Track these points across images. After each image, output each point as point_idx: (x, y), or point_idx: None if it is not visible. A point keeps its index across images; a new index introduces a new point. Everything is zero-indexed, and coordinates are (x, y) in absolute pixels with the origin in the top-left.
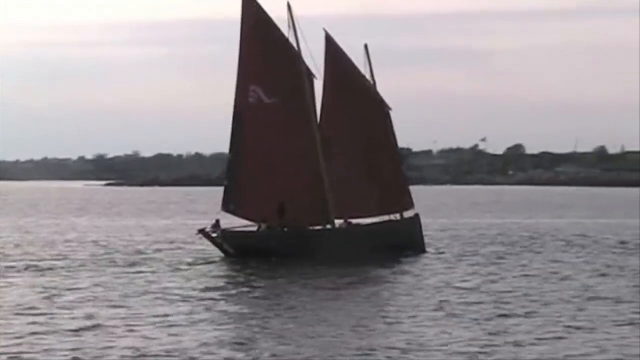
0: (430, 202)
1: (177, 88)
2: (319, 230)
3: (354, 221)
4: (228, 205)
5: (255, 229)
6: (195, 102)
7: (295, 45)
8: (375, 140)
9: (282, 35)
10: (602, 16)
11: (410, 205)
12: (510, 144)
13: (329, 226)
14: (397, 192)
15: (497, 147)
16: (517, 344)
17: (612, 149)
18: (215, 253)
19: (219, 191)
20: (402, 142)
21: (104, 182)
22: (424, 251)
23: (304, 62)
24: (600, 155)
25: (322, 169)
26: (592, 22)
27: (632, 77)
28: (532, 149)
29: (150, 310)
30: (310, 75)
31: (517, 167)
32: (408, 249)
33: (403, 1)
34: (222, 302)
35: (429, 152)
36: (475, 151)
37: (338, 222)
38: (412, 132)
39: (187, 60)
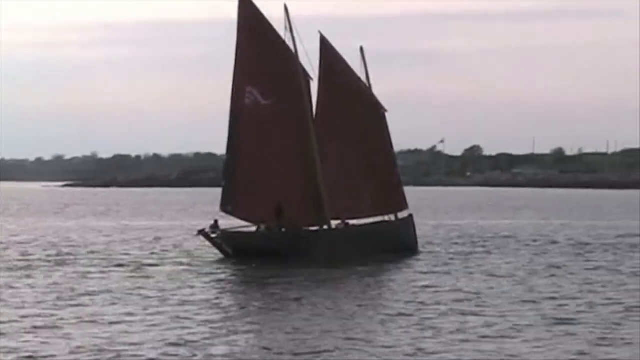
0: None
1: (134, 89)
2: (316, 230)
3: (351, 222)
4: (225, 206)
5: (253, 229)
6: (153, 103)
7: (291, 46)
8: (370, 141)
9: (279, 36)
10: (558, 18)
11: (404, 205)
12: (468, 146)
13: (325, 227)
14: (391, 193)
15: (455, 148)
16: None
17: (569, 151)
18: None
19: (177, 192)
20: None
21: (61, 183)
22: (417, 252)
23: (300, 64)
24: (558, 156)
25: (319, 170)
26: (549, 24)
27: (589, 78)
28: (489, 150)
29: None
30: (306, 77)
31: (474, 168)
32: (403, 249)
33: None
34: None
35: None
36: (433, 153)
37: (335, 223)
38: None
39: (147, 62)
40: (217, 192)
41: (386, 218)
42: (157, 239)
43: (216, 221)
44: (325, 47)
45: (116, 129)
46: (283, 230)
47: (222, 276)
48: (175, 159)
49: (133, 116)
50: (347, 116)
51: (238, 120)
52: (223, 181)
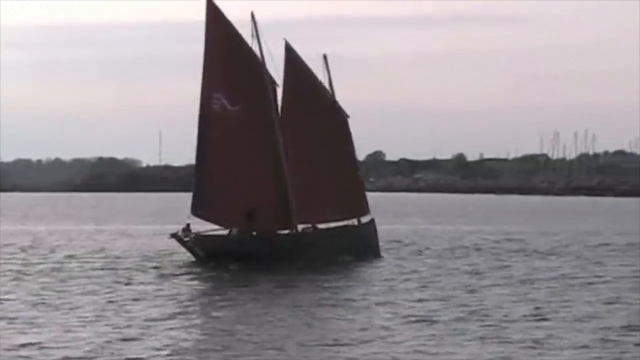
0: None
1: (35, 91)
2: (287, 234)
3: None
4: (197, 210)
5: (225, 232)
6: (54, 106)
7: (258, 53)
8: (334, 146)
9: (245, 43)
10: (460, 24)
11: (366, 210)
12: (370, 151)
13: (294, 230)
14: (354, 197)
15: (357, 153)
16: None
17: (471, 156)
18: None
19: (78, 197)
20: None
21: None
22: (379, 255)
23: (266, 70)
24: (459, 162)
25: (286, 175)
26: (450, 30)
27: (490, 84)
28: (391, 155)
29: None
30: (273, 83)
31: (377, 173)
32: (366, 252)
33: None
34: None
35: None
36: None
37: (303, 226)
38: None
39: (49, 65)
40: (122, 196)
41: (349, 222)
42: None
43: (188, 225)
44: (290, 55)
45: (17, 133)
46: (254, 233)
47: (193, 278)
48: (77, 163)
49: (35, 120)
50: (311, 122)
51: (206, 125)
52: (194, 186)
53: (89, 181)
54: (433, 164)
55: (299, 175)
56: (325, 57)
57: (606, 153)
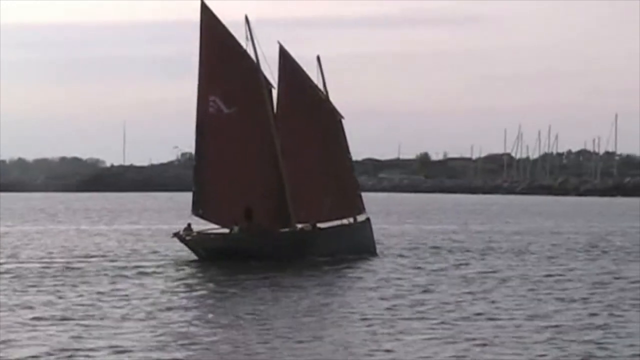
0: None
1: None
2: (288, 232)
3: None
4: (197, 210)
5: (226, 231)
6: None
7: (253, 56)
8: (330, 147)
9: (240, 46)
10: (419, 24)
11: (362, 209)
12: None
13: (293, 229)
14: (350, 197)
15: None
16: None
17: (435, 156)
18: None
19: (41, 197)
20: None
21: None
22: (375, 253)
23: (262, 73)
24: (423, 161)
25: (283, 176)
26: (412, 30)
27: (454, 84)
28: (356, 155)
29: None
30: (268, 85)
31: None
32: (363, 251)
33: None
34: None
35: None
36: None
37: (302, 225)
38: None
39: (6, 65)
40: (82, 196)
41: (344, 221)
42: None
43: (189, 224)
44: (284, 57)
45: None
46: (254, 232)
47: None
48: (41, 163)
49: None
50: (307, 123)
51: (203, 127)
52: (193, 186)
53: (52, 181)
54: (397, 164)
55: (295, 174)
56: (318, 58)
57: (569, 152)
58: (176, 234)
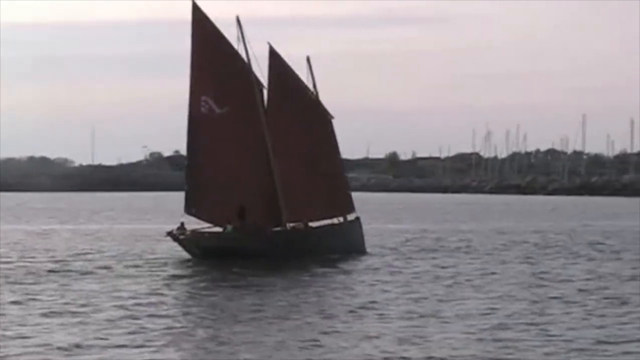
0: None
1: None
2: (282, 231)
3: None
4: (190, 209)
5: (219, 230)
6: None
7: (244, 56)
8: (320, 147)
9: (231, 47)
10: (388, 24)
11: (352, 209)
12: None
13: (285, 228)
14: (340, 197)
15: None
16: None
17: (404, 155)
18: None
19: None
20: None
21: None
22: (365, 252)
23: (253, 73)
24: (392, 161)
25: (275, 175)
26: (380, 30)
27: (422, 83)
28: None
29: None
30: (259, 85)
31: None
32: (353, 250)
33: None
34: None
35: None
36: None
37: (294, 224)
38: None
39: None
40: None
41: (335, 221)
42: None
43: (182, 223)
44: (274, 57)
45: None
46: (250, 231)
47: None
48: (8, 163)
49: None
50: (297, 123)
51: (196, 127)
52: (186, 185)
53: (20, 180)
54: (366, 163)
55: (286, 174)
56: (308, 59)
57: (537, 152)
58: (170, 233)
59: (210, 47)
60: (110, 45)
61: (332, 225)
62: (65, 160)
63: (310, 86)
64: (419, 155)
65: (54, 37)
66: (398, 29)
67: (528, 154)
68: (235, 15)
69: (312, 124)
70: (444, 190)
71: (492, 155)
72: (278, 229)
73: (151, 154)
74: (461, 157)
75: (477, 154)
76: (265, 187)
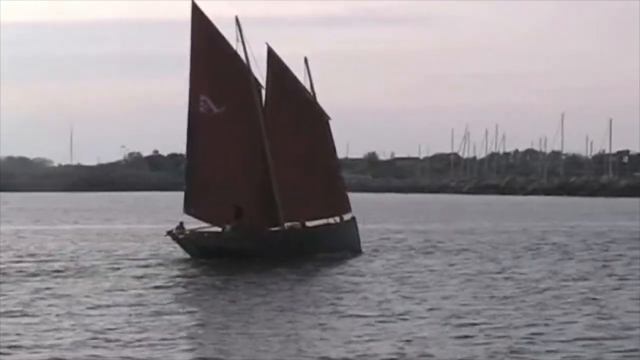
0: None
1: None
2: (280, 231)
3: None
4: (188, 209)
5: (218, 230)
6: None
7: (243, 57)
8: (317, 147)
9: (230, 47)
10: (367, 24)
11: (348, 209)
12: None
13: (282, 228)
14: (337, 196)
15: None
16: None
17: (382, 155)
18: None
19: None
20: (176, 147)
21: None
22: (360, 252)
23: (252, 73)
24: (371, 161)
25: (272, 175)
26: (356, 30)
27: (400, 83)
28: None
29: None
30: (258, 86)
31: None
32: (349, 249)
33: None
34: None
35: None
36: None
37: (291, 224)
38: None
39: None
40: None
41: (331, 220)
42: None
43: (181, 223)
44: (272, 58)
45: None
46: (248, 230)
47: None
48: None
49: None
50: (295, 124)
51: (194, 127)
52: (185, 185)
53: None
54: (345, 163)
55: (283, 174)
56: (306, 60)
57: (516, 152)
58: (169, 233)
59: (209, 47)
60: (87, 45)
61: (329, 225)
62: (44, 160)
63: (308, 87)
64: (397, 155)
65: (30, 36)
66: (376, 29)
67: (507, 154)
68: (235, 15)
69: (309, 124)
70: (423, 190)
71: (471, 155)
72: (276, 228)
73: (130, 154)
74: (440, 158)
75: (455, 154)
76: (262, 187)
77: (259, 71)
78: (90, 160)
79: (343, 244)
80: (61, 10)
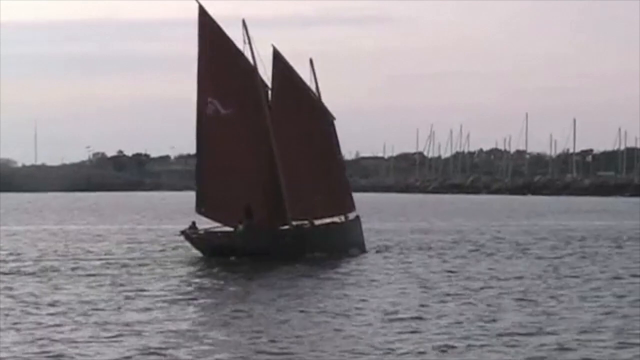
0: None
1: None
2: (290, 230)
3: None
4: (200, 208)
5: (230, 229)
6: None
7: (250, 58)
8: (322, 147)
9: (237, 49)
10: (330, 24)
11: (352, 207)
12: None
13: (291, 226)
14: (341, 196)
15: None
16: None
17: (347, 155)
18: None
19: None
20: (140, 148)
21: None
22: (365, 250)
23: (258, 75)
24: None
25: (279, 174)
26: (321, 29)
27: (364, 83)
28: None
29: None
30: (265, 87)
31: None
32: (354, 247)
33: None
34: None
35: (167, 157)
36: None
37: (299, 223)
38: (151, 137)
39: None
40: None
41: (336, 219)
42: None
43: (194, 222)
44: (278, 59)
45: None
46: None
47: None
48: None
49: None
50: (300, 124)
51: (203, 128)
52: (196, 185)
53: None
54: None
55: (289, 173)
56: (311, 61)
57: (481, 151)
58: (183, 232)
59: (216, 49)
60: (51, 44)
61: (334, 223)
62: (8, 160)
63: (313, 87)
64: (362, 154)
65: None
66: (340, 28)
67: (471, 153)
68: (242, 18)
69: (314, 124)
70: (388, 190)
71: (436, 154)
72: (285, 227)
73: (94, 155)
74: (405, 157)
75: (420, 153)
76: (270, 186)
77: (265, 72)
78: (54, 161)
79: (350, 242)
80: (24, 10)
